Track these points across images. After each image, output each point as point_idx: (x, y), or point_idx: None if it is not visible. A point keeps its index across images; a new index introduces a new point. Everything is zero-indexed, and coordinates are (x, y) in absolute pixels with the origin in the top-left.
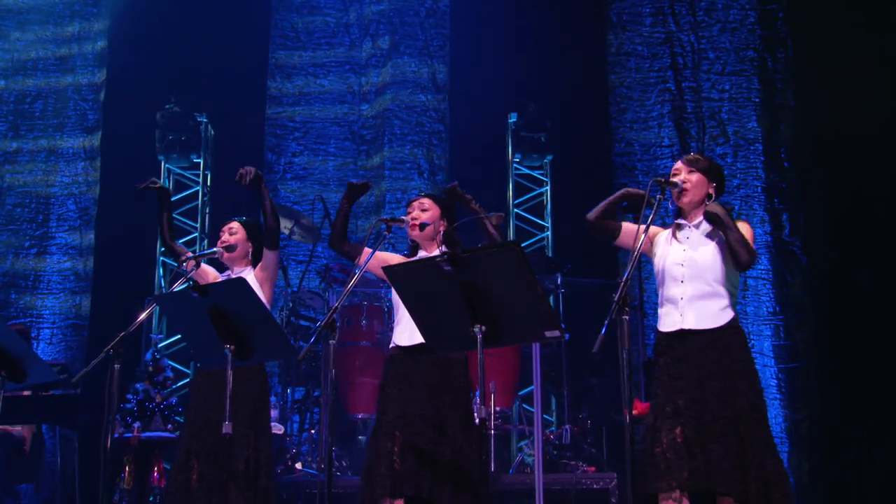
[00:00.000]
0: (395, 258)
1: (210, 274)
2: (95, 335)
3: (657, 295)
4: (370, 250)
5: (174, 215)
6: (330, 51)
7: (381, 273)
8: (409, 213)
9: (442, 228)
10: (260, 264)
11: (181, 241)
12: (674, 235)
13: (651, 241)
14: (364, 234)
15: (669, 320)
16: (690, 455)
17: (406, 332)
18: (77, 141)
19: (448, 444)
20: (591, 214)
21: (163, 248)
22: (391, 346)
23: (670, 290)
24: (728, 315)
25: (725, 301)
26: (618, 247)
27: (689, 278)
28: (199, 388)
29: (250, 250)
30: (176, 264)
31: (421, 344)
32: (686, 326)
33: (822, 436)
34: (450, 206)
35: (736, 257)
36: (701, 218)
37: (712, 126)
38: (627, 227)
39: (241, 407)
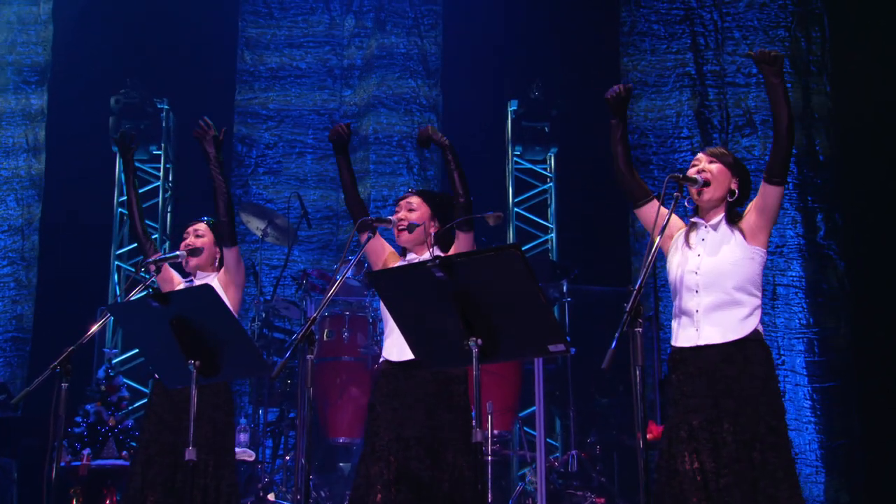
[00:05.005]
0: (389, 248)
1: (175, 279)
2: (39, 350)
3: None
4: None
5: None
6: (308, 29)
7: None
8: (396, 213)
9: (433, 230)
10: (222, 269)
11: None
12: (687, 238)
13: (671, 238)
14: (346, 236)
15: (684, 334)
16: (705, 483)
17: (395, 347)
18: (18, 130)
19: (447, 471)
20: (619, 164)
21: (118, 252)
22: (381, 360)
23: (685, 301)
24: (750, 325)
25: (747, 310)
26: (636, 218)
27: (705, 287)
28: (154, 407)
29: (218, 255)
30: (133, 269)
31: (413, 359)
32: (702, 342)
33: (863, 464)
34: (442, 205)
35: (771, 161)
36: (719, 218)
37: (737, 115)
38: (654, 205)
39: (199, 427)
